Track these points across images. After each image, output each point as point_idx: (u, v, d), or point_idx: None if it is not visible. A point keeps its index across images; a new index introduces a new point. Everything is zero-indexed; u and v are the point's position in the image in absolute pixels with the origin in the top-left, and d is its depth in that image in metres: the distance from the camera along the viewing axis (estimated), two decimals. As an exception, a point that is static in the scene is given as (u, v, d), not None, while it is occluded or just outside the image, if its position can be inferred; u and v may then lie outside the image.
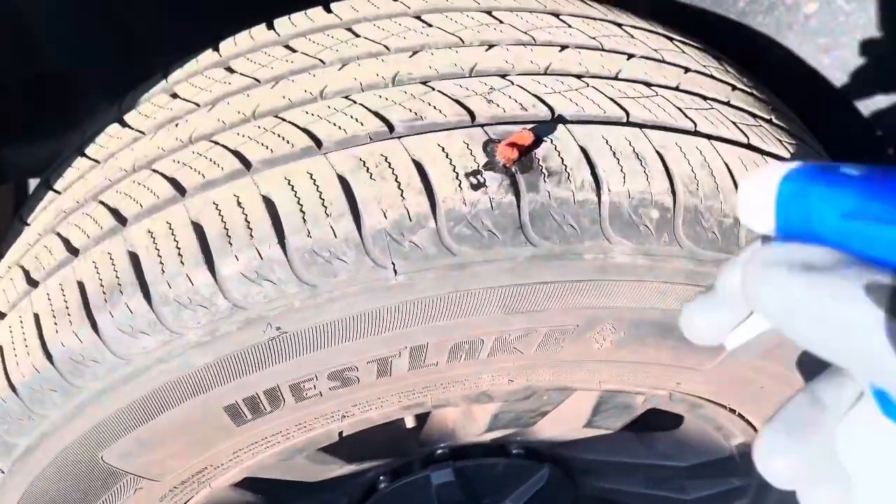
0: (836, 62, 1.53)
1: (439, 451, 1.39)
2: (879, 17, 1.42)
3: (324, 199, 0.87)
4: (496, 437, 1.32)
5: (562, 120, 0.93)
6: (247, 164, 0.92)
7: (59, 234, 1.01)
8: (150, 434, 0.96)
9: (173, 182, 0.94)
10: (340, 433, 1.08)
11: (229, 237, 0.87)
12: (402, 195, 0.87)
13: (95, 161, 1.10)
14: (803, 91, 1.50)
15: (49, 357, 0.92)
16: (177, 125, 1.03)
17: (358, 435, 1.22)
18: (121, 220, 0.95)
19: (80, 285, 0.92)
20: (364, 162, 0.88)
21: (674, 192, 0.91)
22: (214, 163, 0.93)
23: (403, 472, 1.40)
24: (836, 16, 1.47)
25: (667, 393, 1.14)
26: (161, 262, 0.88)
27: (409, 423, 1.27)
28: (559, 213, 0.88)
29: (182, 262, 0.87)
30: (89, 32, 1.59)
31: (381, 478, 1.41)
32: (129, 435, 0.96)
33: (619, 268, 0.90)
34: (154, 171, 0.98)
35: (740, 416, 1.24)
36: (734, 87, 1.14)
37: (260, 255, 0.86)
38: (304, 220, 0.86)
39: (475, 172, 0.88)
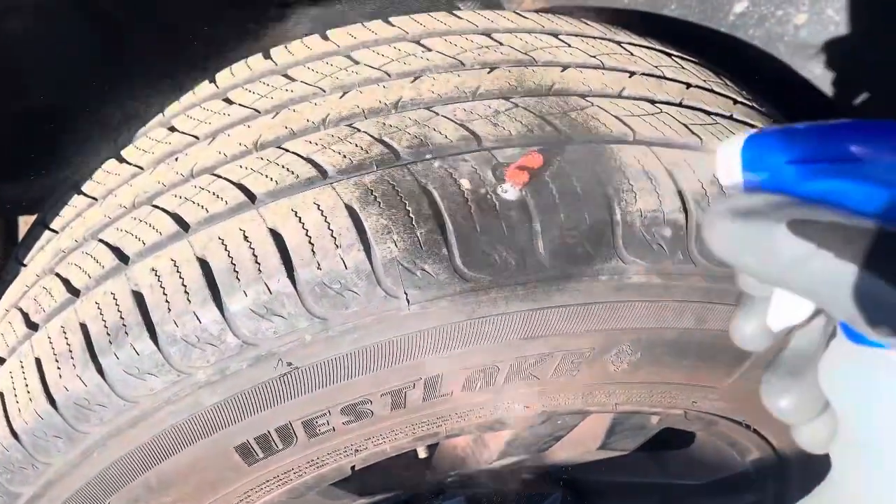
0: (828, 72, 1.53)
1: (450, 480, 1.36)
2: (869, 27, 1.42)
3: (332, 230, 0.85)
4: (508, 464, 1.29)
5: (569, 141, 0.92)
6: (251, 196, 0.90)
7: (58, 275, 0.98)
8: (158, 478, 0.93)
9: (176, 218, 0.92)
10: (352, 467, 1.05)
11: (236, 272, 0.85)
12: (412, 222, 0.85)
13: (93, 198, 1.08)
14: (795, 102, 1.50)
15: (52, 402, 0.89)
16: (176, 159, 1.01)
17: (368, 467, 1.19)
18: (123, 258, 0.92)
19: (83, 327, 0.89)
20: (371, 191, 0.87)
21: (686, 210, 0.90)
22: (218, 196, 0.92)
23: (413, 502, 1.37)
24: (826, 26, 1.47)
25: (682, 412, 1.13)
26: (167, 301, 0.86)
27: (422, 454, 1.25)
28: (573, 234, 0.87)
29: (189, 300, 0.85)
30: (79, 65, 1.57)
31: (391, 509, 1.38)
32: (137, 480, 0.93)
33: (634, 288, 0.89)
34: (155, 206, 0.96)
35: (755, 431, 1.22)
36: (735, 101, 1.14)
37: (269, 289, 0.84)
38: (314, 252, 0.84)
39: (486, 196, 0.86)
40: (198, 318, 0.85)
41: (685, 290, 0.91)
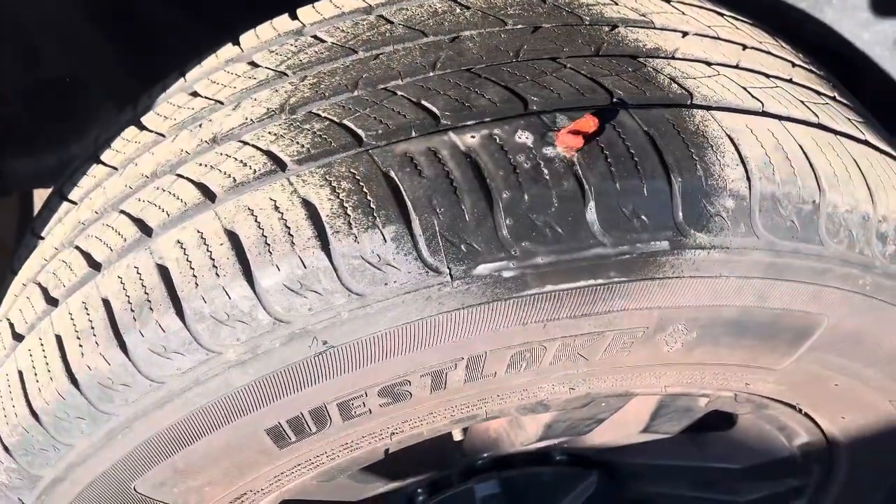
0: (878, 37, 1.44)
1: (481, 462, 1.31)
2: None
3: (370, 200, 0.79)
4: (544, 447, 1.24)
5: (623, 104, 0.85)
6: (280, 163, 0.84)
7: (78, 248, 0.93)
8: (186, 461, 0.88)
9: (201, 187, 0.87)
10: (386, 450, 1.00)
11: (268, 245, 0.79)
12: (455, 192, 0.79)
13: (113, 168, 1.02)
14: (840, 67, 1.41)
15: (74, 382, 0.84)
16: (200, 125, 0.95)
17: (399, 450, 1.15)
18: (146, 230, 0.87)
19: (106, 303, 0.84)
20: (412, 158, 0.81)
21: (749, 179, 0.84)
22: (244, 164, 0.86)
23: (442, 483, 1.33)
24: (879, -11, 1.38)
25: (732, 394, 1.07)
26: (194, 276, 0.80)
27: (457, 436, 1.20)
28: (628, 205, 0.80)
29: (217, 275, 0.79)
30: (91, 34, 1.51)
31: (419, 490, 1.33)
32: (163, 463, 0.89)
33: (693, 263, 0.83)
34: (179, 175, 0.90)
35: (806, 415, 1.16)
36: (793, 64, 1.06)
37: (303, 263, 0.78)
38: (350, 224, 0.78)
39: (535, 164, 0.80)
40: (227, 294, 0.79)
41: (747, 265, 0.85)
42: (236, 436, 0.87)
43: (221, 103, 0.97)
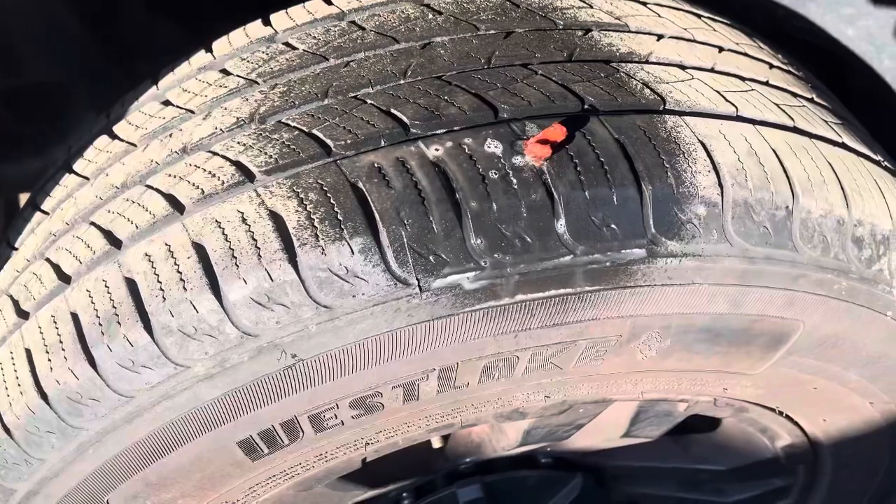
0: (862, 33, 1.43)
1: (464, 467, 1.31)
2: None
3: (338, 212, 0.79)
4: (525, 451, 1.24)
5: (594, 111, 0.85)
6: (249, 174, 0.84)
7: (48, 260, 0.93)
8: (158, 474, 0.88)
9: (169, 199, 0.86)
10: (364, 460, 1.00)
11: (235, 258, 0.79)
12: (423, 203, 0.79)
13: (84, 178, 1.01)
14: (824, 64, 1.41)
15: (44, 396, 0.84)
16: (170, 135, 0.94)
17: (379, 458, 1.14)
18: (115, 242, 0.86)
19: (74, 317, 0.84)
20: (380, 168, 0.80)
21: (721, 186, 0.83)
22: (213, 175, 0.85)
23: (426, 488, 1.32)
24: (863, -16, 1.37)
25: (711, 399, 1.07)
26: (161, 290, 0.80)
27: (436, 444, 1.19)
28: (598, 214, 0.80)
29: (185, 289, 0.79)
30: (75, 39, 1.50)
31: (404, 495, 1.33)
32: (135, 476, 0.88)
33: (665, 271, 0.82)
34: (148, 186, 0.89)
35: (788, 417, 1.16)
36: (771, 66, 1.05)
37: (270, 276, 0.77)
38: (317, 236, 0.78)
39: (503, 174, 0.79)
40: (195, 308, 0.79)
41: (720, 272, 0.84)
42: (208, 449, 0.86)
43: (192, 112, 0.97)
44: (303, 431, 0.87)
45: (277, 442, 0.88)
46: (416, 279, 0.78)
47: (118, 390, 0.82)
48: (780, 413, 1.14)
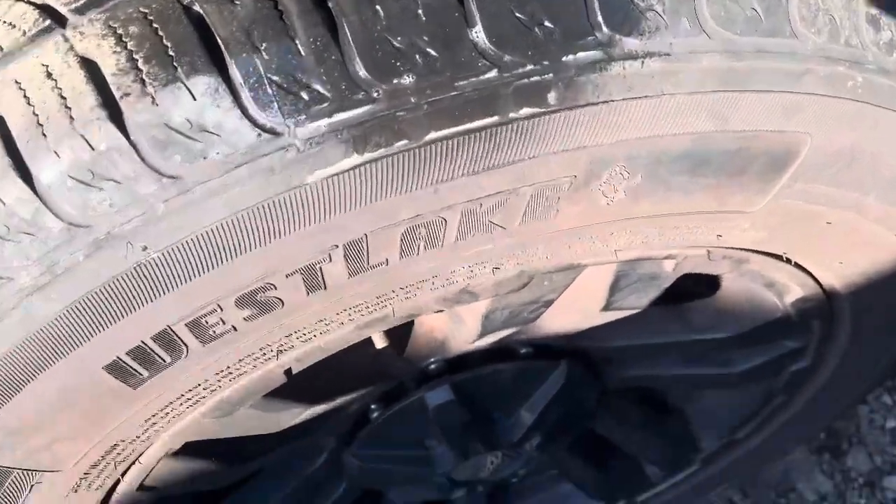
0: None
1: (432, 367, 1.14)
2: None
3: (167, 46, 0.57)
4: (496, 341, 1.06)
5: None
6: (58, 17, 0.62)
7: None
8: (16, 417, 0.70)
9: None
10: (287, 371, 0.82)
11: (41, 126, 0.58)
12: (281, 18, 0.57)
13: None
14: None
15: None
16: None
17: (318, 370, 0.97)
18: None
19: None
20: (214, -25, 0.58)
21: (691, -44, 0.61)
22: (13, 26, 0.63)
23: (397, 395, 1.16)
24: None
25: (704, 251, 0.88)
26: (-46, 183, 0.59)
27: (379, 342, 1.01)
28: (525, 8, 0.58)
29: (-18, 177, 0.59)
30: None
31: (373, 407, 1.17)
32: (-9, 422, 0.71)
33: (623, 80, 0.61)
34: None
35: (797, 265, 0.97)
36: None
37: (89, 144, 0.57)
38: (143, 81, 0.57)
39: (387, -35, 0.57)
40: (0, 200, 0.59)
41: (697, 75, 0.63)
42: (69, 380, 0.68)
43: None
44: (185, 345, 0.69)
45: (156, 361, 0.69)
46: (286, 125, 0.57)
47: (-66, 319, 0.63)
48: (788, 261, 0.95)
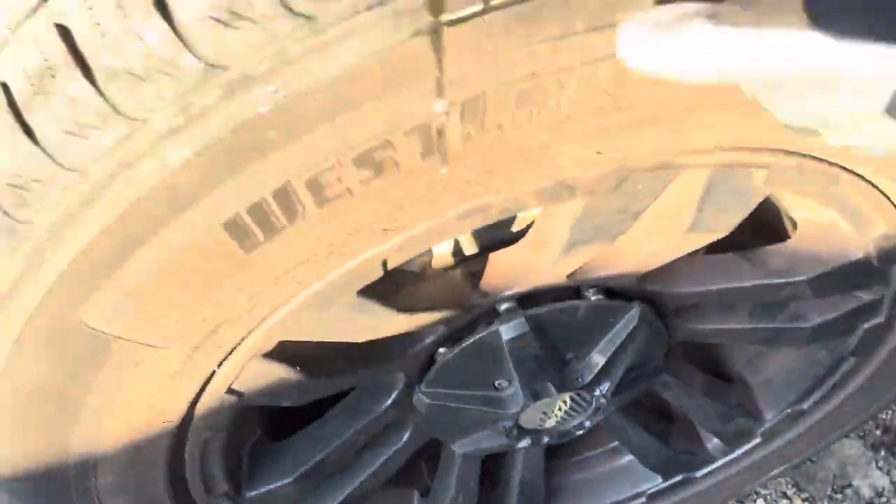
0: None
1: (505, 307, 1.14)
2: None
3: None
4: (572, 276, 1.07)
5: None
6: None
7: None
8: (135, 278, 0.72)
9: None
10: (384, 262, 0.83)
11: (182, -34, 0.61)
12: None
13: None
14: None
15: (-20, 189, 0.68)
16: None
17: (401, 280, 0.99)
18: (43, -4, 0.69)
19: (3, 87, 0.67)
20: None
21: None
22: None
23: (463, 333, 1.16)
24: None
25: (797, 162, 0.88)
26: (98, 24, 0.62)
27: (469, 249, 1.02)
28: None
29: (125, 16, 0.61)
30: None
31: (440, 350, 1.17)
32: (107, 282, 0.73)
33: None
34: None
35: (883, 192, 0.97)
36: None
37: (227, -19, 0.60)
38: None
39: None
40: (141, 38, 0.61)
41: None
42: (188, 237, 0.70)
43: None
44: (302, 204, 0.71)
45: (272, 222, 0.71)
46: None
47: (66, 164, 0.65)
48: (875, 186, 0.95)
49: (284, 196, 0.69)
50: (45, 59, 0.64)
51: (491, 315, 1.14)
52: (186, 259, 0.72)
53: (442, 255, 1.21)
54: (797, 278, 1.15)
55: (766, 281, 1.17)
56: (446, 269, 1.15)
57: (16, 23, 0.70)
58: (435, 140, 0.69)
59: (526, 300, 1.14)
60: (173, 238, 0.70)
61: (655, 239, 0.99)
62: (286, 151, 0.66)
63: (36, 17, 0.67)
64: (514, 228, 1.22)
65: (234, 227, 0.70)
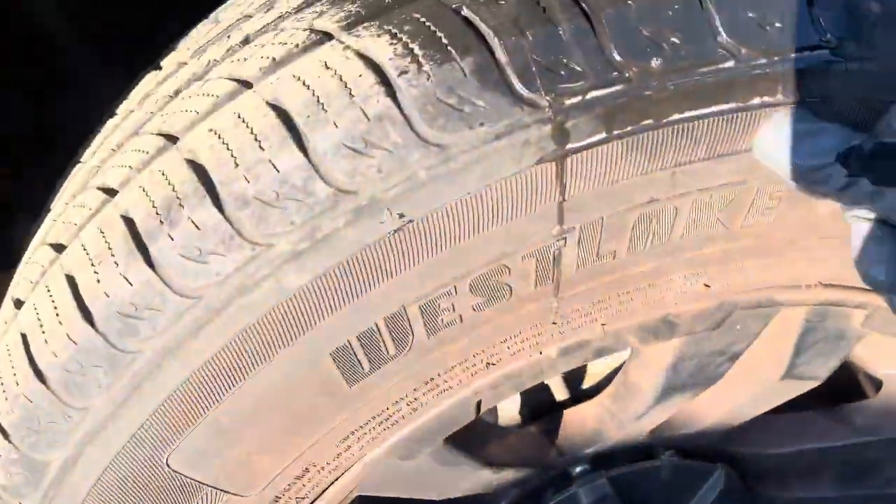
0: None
1: (579, 469, 1.08)
2: None
3: (440, 36, 0.65)
4: (652, 433, 1.02)
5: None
6: (327, 34, 0.71)
7: (93, 188, 0.78)
8: (232, 414, 0.69)
9: (234, 80, 0.73)
10: (478, 404, 0.80)
11: (321, 104, 0.64)
12: (544, 11, 0.65)
13: (128, 113, 0.89)
14: None
15: (89, 318, 0.67)
16: (229, 36, 0.83)
17: (488, 434, 0.94)
18: (170, 138, 0.72)
19: (126, 219, 0.68)
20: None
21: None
22: (284, 44, 0.72)
23: (538, 499, 1.09)
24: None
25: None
26: (232, 156, 0.65)
27: (559, 392, 0.98)
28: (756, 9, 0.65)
29: (261, 148, 0.64)
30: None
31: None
32: (203, 419, 0.69)
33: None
34: (208, 80, 0.77)
35: None
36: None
37: (366, 115, 0.62)
38: (418, 62, 0.63)
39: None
40: (274, 167, 0.63)
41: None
42: (294, 367, 0.68)
43: (249, 17, 0.86)
44: (413, 333, 0.69)
45: (381, 351, 0.69)
46: (546, 99, 0.62)
47: (182, 290, 0.65)
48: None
49: (397, 322, 0.67)
50: (174, 191, 0.66)
51: (563, 477, 1.08)
52: (289, 392, 0.69)
53: (507, 410, 1.17)
54: (885, 436, 1.09)
55: (853, 439, 1.11)
56: (519, 425, 1.10)
57: (141, 162, 0.73)
58: (551, 266, 0.68)
59: (599, 461, 1.08)
60: (279, 370, 0.67)
61: (747, 388, 0.96)
62: (405, 275, 0.65)
63: (164, 157, 0.70)
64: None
65: (342, 356, 0.68)
